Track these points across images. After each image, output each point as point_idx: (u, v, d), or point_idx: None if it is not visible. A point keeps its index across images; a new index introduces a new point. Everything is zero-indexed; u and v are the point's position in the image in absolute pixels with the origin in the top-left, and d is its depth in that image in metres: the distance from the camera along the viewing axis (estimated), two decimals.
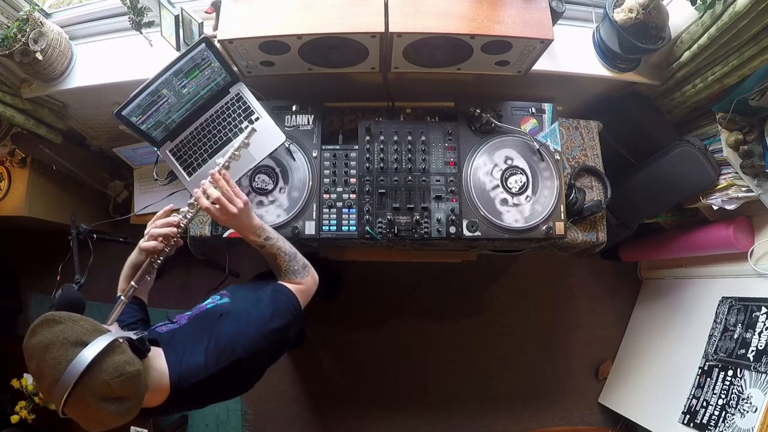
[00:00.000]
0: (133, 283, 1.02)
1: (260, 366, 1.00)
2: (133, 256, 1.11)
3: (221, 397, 0.99)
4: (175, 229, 1.02)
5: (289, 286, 1.05)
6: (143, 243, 1.02)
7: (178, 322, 1.06)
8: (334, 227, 1.43)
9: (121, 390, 0.75)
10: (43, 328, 0.76)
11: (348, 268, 2.41)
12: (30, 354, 0.75)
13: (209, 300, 1.17)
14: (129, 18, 1.51)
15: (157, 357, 0.89)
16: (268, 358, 1.01)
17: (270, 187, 1.44)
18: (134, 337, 0.81)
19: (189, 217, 1.05)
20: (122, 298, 1.00)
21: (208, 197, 1.02)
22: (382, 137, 1.48)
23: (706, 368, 1.79)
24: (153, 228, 1.02)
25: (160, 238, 1.01)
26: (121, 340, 0.79)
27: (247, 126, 1.40)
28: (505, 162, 1.48)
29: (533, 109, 1.53)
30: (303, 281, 1.07)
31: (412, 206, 1.43)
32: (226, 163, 1.08)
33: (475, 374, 2.40)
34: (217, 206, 1.01)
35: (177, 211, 1.07)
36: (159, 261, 1.03)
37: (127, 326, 1.06)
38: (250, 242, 1.07)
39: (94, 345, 0.74)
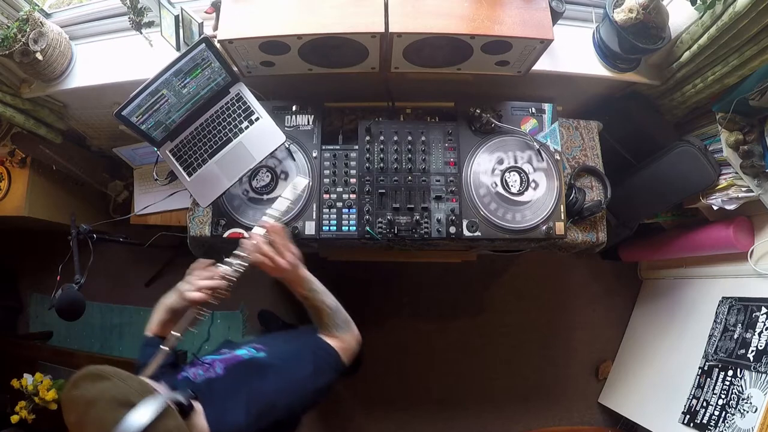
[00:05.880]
0: (176, 333, 0.96)
1: (298, 419, 0.98)
2: (171, 300, 1.05)
3: None
4: (224, 282, 0.98)
5: (331, 341, 1.01)
6: (189, 293, 0.96)
7: (213, 369, 1.00)
8: (334, 227, 1.43)
9: None
10: (87, 382, 0.71)
11: (348, 268, 2.41)
12: (70, 407, 0.71)
13: (244, 350, 1.10)
14: (129, 18, 1.51)
15: (198, 415, 0.84)
16: (306, 411, 0.98)
17: (263, 185, 1.44)
18: (183, 399, 0.78)
19: (241, 270, 1.00)
20: (163, 347, 0.95)
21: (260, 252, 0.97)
22: (382, 137, 1.48)
23: (706, 368, 1.79)
24: (200, 280, 0.97)
25: (209, 291, 0.96)
26: (171, 404, 0.74)
27: (302, 179, 1.21)
28: (506, 162, 1.48)
29: (533, 109, 1.53)
30: (343, 337, 1.03)
31: (412, 206, 1.43)
32: (281, 217, 1.05)
33: (476, 374, 2.40)
34: (269, 261, 0.97)
35: (222, 262, 1.01)
36: (204, 312, 0.98)
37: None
38: (296, 294, 1.04)
39: (143, 408, 0.70)
